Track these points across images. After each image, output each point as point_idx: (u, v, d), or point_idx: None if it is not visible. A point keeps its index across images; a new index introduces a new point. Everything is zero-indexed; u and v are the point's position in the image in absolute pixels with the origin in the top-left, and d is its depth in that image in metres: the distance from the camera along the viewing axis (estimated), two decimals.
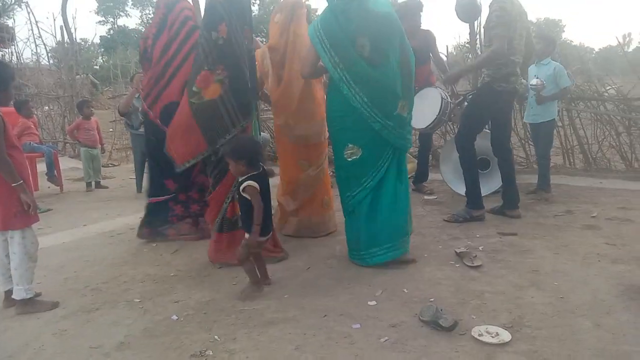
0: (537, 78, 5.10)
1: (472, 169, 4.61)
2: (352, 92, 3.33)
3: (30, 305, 3.04)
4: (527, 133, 6.83)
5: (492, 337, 2.49)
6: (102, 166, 8.88)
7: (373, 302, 2.95)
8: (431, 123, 5.11)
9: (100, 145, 7.38)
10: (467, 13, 5.37)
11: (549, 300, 2.90)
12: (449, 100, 5.16)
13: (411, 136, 3.72)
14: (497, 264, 3.50)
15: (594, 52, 39.03)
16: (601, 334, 2.50)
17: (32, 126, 7.10)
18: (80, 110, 7.41)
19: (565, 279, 3.20)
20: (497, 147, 4.68)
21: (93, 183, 7.15)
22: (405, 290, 3.11)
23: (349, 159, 3.49)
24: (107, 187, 7.19)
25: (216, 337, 2.60)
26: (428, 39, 5.60)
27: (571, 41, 39.59)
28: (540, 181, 5.37)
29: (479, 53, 7.66)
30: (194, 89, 3.46)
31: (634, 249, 3.69)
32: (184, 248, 4.16)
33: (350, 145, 3.47)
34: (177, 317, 2.87)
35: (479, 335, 2.50)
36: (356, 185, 3.51)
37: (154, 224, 4.41)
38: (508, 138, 4.79)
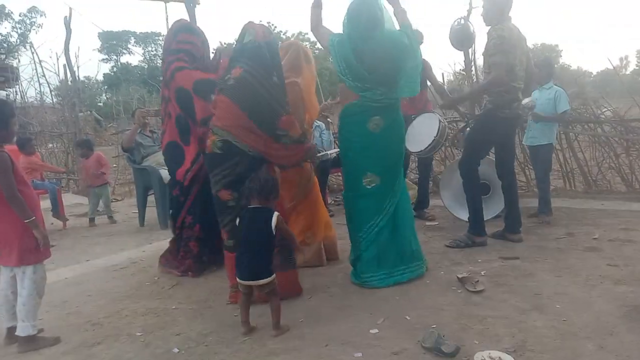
0: (529, 99, 5.17)
1: (475, 195, 4.63)
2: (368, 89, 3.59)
3: (33, 341, 3.03)
4: (527, 157, 6.87)
5: None
6: None
7: (375, 330, 2.93)
8: (428, 146, 5.13)
9: (103, 183, 7.20)
10: (461, 41, 5.46)
11: (551, 324, 2.88)
12: (446, 124, 5.21)
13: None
14: (500, 288, 3.49)
15: (592, 75, 39.40)
16: (604, 356, 2.48)
17: (38, 163, 7.15)
18: (78, 150, 7.43)
19: (568, 301, 3.19)
20: (502, 171, 4.71)
21: (107, 218, 7.12)
22: (407, 317, 3.10)
23: (369, 187, 3.66)
24: (116, 222, 7.08)
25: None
26: (424, 67, 5.67)
27: (569, 65, 40.01)
28: (541, 205, 5.37)
29: (474, 80, 7.80)
30: (279, 132, 3.40)
31: (636, 269, 3.67)
32: (186, 281, 4.16)
33: (369, 174, 3.67)
34: (178, 350, 2.86)
35: None
36: (378, 213, 3.68)
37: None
38: (512, 162, 4.83)
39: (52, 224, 7.01)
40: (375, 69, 3.57)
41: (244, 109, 3.30)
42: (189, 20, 4.60)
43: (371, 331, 2.93)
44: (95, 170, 7.14)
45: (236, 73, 3.38)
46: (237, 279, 3.03)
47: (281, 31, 37.48)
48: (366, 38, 3.56)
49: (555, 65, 6.80)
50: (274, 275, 3.00)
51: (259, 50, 3.42)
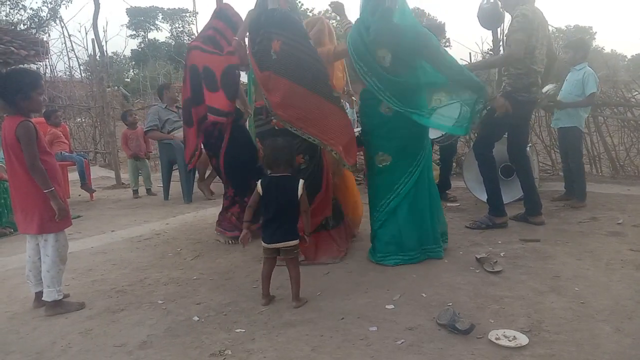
0: (551, 85, 5.07)
1: (491, 176, 4.60)
2: (378, 90, 3.52)
3: (59, 306, 3.14)
4: (553, 140, 6.76)
5: (509, 340, 2.48)
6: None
7: (391, 306, 2.97)
8: (446, 132, 5.09)
9: (144, 154, 7.37)
10: (489, 20, 5.34)
11: (569, 305, 2.87)
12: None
13: (466, 124, 3.66)
14: (518, 270, 3.48)
15: (626, 59, 38.13)
16: (621, 339, 2.47)
17: (62, 135, 7.21)
18: (125, 119, 7.54)
19: (587, 284, 3.17)
20: (513, 155, 4.66)
21: (145, 190, 7.25)
22: (423, 294, 3.12)
23: (380, 166, 3.70)
24: (156, 194, 7.17)
25: (239, 330, 2.67)
26: None
27: (602, 48, 38.78)
28: (578, 192, 5.25)
29: None
30: (335, 94, 3.58)
31: None
32: (207, 252, 4.25)
33: (380, 153, 3.71)
34: (198, 318, 2.94)
35: (496, 338, 2.50)
36: (389, 192, 3.71)
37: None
38: (525, 146, 4.77)
39: (80, 195, 7.19)
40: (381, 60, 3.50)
41: (293, 80, 3.42)
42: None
43: (387, 307, 2.96)
44: (137, 142, 7.26)
45: (276, 47, 3.44)
46: (265, 244, 3.07)
47: (307, 9, 37.20)
48: (368, 25, 3.50)
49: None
50: (298, 240, 3.09)
51: (289, 17, 3.48)
